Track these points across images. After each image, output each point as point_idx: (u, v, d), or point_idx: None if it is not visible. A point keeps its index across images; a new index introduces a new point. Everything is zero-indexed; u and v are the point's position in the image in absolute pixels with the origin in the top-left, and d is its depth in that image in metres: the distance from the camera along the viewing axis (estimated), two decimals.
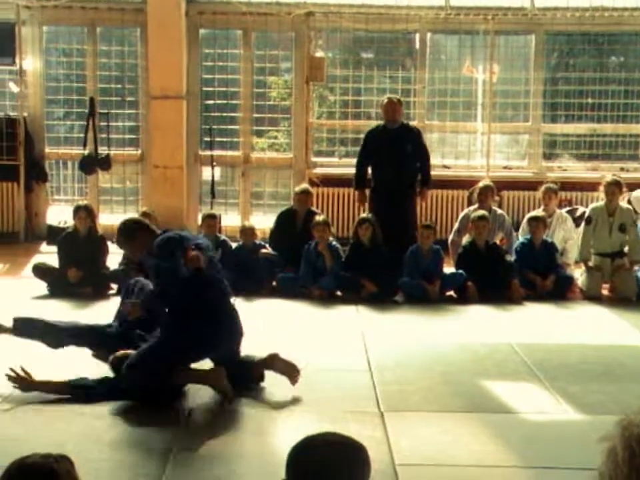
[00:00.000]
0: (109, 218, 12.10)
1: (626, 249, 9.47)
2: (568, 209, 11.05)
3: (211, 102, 12.48)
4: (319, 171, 12.37)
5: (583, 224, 9.66)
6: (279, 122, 13.04)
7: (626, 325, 8.18)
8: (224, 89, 12.45)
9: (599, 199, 9.90)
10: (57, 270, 9.02)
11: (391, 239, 9.27)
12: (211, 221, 9.74)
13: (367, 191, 10.06)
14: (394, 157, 9.73)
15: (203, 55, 12.42)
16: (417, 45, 12.49)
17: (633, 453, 1.67)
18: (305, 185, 10.65)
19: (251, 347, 6.97)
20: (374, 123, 12.12)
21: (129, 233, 6.10)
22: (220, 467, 4.64)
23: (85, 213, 9.26)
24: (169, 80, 11.86)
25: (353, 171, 10.89)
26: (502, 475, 4.66)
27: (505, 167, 12.55)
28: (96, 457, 4.72)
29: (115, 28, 12.59)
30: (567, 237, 9.92)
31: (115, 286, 8.95)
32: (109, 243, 9.55)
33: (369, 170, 10.03)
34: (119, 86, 12.53)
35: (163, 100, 11.84)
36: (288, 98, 12.87)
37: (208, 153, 11.87)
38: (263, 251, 9.51)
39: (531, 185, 11.55)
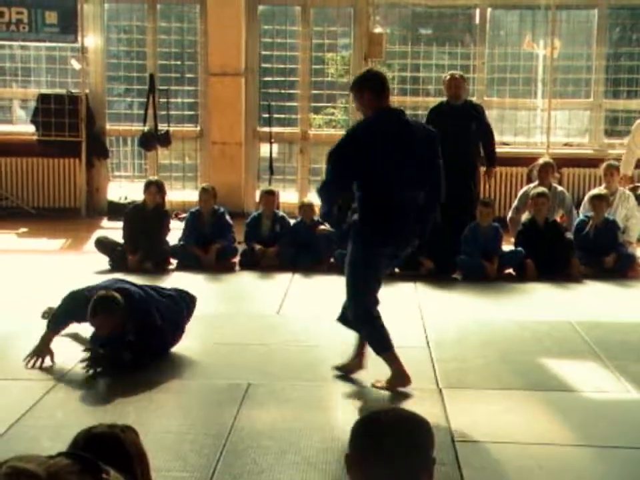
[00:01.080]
0: (169, 194, 12.20)
1: None
2: (630, 186, 10.86)
3: (269, 79, 12.50)
4: None
5: None
6: (337, 98, 13.01)
7: None
8: (282, 65, 12.45)
9: None
10: (118, 244, 9.13)
11: (452, 217, 9.19)
12: (269, 197, 9.77)
13: None
14: (457, 134, 9.59)
15: (262, 32, 12.42)
16: (477, 21, 12.33)
17: None
18: None
19: (310, 321, 7.02)
20: (432, 100, 12.06)
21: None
22: (282, 442, 4.67)
23: (156, 188, 9.39)
24: (227, 57, 11.90)
25: None
26: (561, 453, 4.63)
27: (566, 144, 12.39)
28: (157, 428, 4.80)
29: (174, 5, 12.67)
30: (629, 215, 9.78)
31: (174, 261, 9.11)
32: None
33: None
34: (179, 63, 12.60)
35: (221, 77, 11.90)
36: (346, 74, 12.83)
37: (266, 129, 11.91)
38: (321, 227, 9.52)
39: (592, 162, 11.39)
